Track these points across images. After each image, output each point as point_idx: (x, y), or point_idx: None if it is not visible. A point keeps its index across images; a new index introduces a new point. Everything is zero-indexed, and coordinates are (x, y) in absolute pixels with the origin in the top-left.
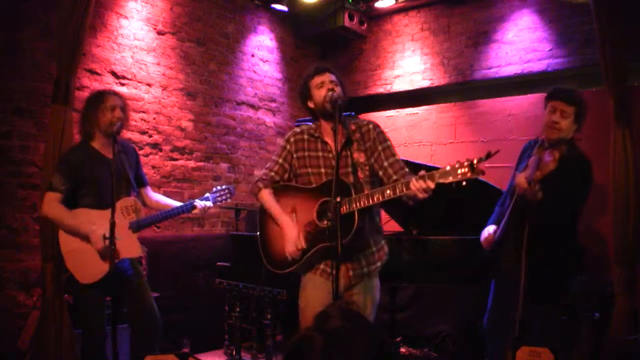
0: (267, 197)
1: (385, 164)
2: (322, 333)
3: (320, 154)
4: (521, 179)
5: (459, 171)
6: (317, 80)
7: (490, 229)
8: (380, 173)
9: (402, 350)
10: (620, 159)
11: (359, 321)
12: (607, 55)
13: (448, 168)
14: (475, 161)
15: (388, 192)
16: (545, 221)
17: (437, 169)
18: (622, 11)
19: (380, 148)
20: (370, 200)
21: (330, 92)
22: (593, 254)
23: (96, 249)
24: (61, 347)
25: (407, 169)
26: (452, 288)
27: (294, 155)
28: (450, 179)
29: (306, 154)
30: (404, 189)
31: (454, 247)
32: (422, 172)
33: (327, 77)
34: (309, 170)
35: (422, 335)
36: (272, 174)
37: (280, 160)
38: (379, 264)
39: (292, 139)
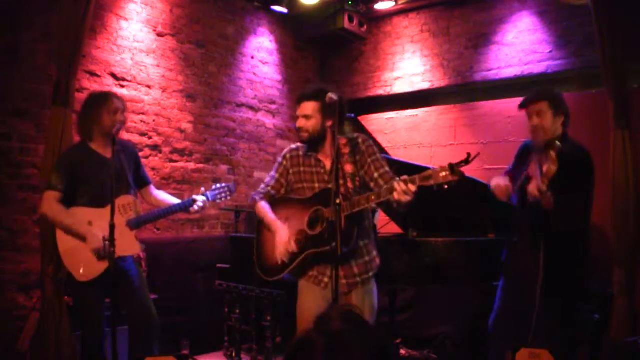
0: (262, 207)
1: (376, 175)
2: (323, 335)
3: (314, 169)
4: (533, 189)
5: (440, 174)
6: (297, 111)
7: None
8: (372, 185)
9: (402, 352)
10: (620, 161)
11: (360, 324)
12: (606, 57)
13: (429, 172)
14: (455, 164)
15: (372, 197)
16: (563, 225)
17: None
18: (621, 13)
19: (369, 160)
20: (356, 207)
21: (299, 131)
22: (593, 254)
23: (91, 250)
24: (61, 349)
25: (397, 178)
26: (451, 290)
27: (290, 171)
28: (432, 182)
29: (301, 169)
30: (387, 194)
31: (453, 248)
32: (404, 177)
33: (300, 111)
34: (304, 185)
35: (422, 337)
36: (269, 188)
37: (277, 176)
38: (371, 274)
39: (288, 156)
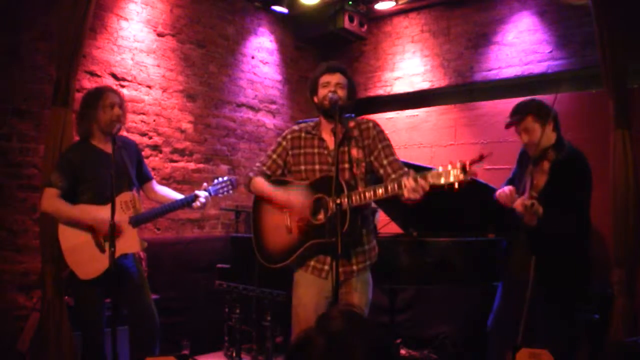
0: (259, 182)
1: (385, 162)
2: (324, 335)
3: (315, 150)
4: (517, 204)
5: (452, 173)
6: (325, 79)
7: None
8: (381, 172)
9: (402, 352)
10: (620, 161)
11: (361, 323)
12: (606, 57)
13: (440, 170)
14: (467, 163)
15: (380, 190)
16: (554, 230)
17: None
18: (621, 13)
19: (380, 146)
20: (363, 199)
21: (330, 94)
22: (593, 255)
23: (103, 234)
24: (61, 349)
25: (405, 169)
26: (451, 290)
27: (289, 152)
28: (443, 181)
29: (302, 151)
30: (396, 189)
31: (453, 248)
32: (414, 174)
33: (334, 79)
34: (302, 167)
35: (422, 337)
36: (264, 168)
37: (274, 156)
38: (368, 262)
39: (288, 136)
